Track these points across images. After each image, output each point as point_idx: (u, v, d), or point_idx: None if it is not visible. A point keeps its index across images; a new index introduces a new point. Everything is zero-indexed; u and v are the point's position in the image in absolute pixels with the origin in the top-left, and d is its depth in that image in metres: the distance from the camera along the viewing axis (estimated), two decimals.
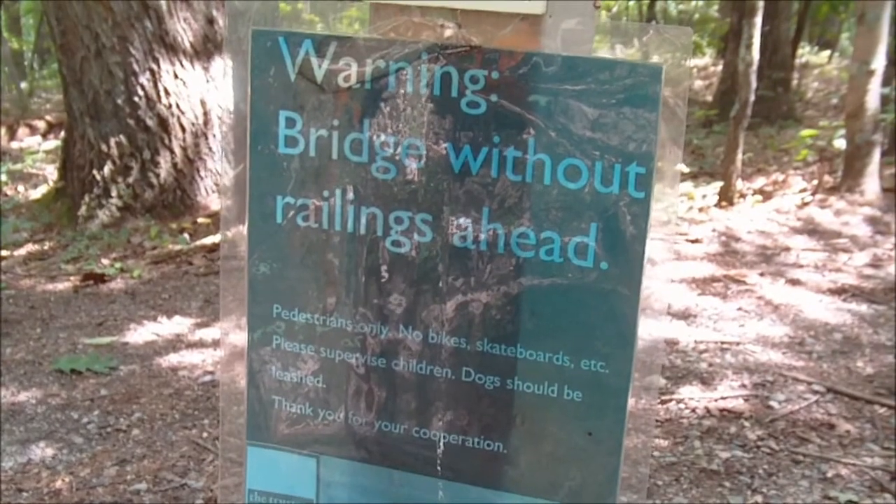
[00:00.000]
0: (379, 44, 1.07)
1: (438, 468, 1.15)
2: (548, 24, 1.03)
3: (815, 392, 2.92)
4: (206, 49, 5.58)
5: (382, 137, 1.08)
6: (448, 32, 1.05)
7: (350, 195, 1.11)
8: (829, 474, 2.40)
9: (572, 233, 1.05)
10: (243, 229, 1.17)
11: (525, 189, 1.05)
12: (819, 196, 5.64)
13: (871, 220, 5.20)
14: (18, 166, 7.52)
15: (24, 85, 11.09)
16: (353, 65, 1.07)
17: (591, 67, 1.01)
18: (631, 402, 1.09)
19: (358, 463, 1.18)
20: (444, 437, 1.14)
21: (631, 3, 13.40)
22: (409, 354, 1.13)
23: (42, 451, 2.60)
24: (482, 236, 1.07)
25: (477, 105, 1.05)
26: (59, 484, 2.40)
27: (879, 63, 5.47)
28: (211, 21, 5.62)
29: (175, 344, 3.50)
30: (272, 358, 1.18)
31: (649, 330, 1.09)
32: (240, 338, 1.22)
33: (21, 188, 6.78)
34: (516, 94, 1.03)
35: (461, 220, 1.08)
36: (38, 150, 8.28)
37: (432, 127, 1.06)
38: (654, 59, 1.00)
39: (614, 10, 13.02)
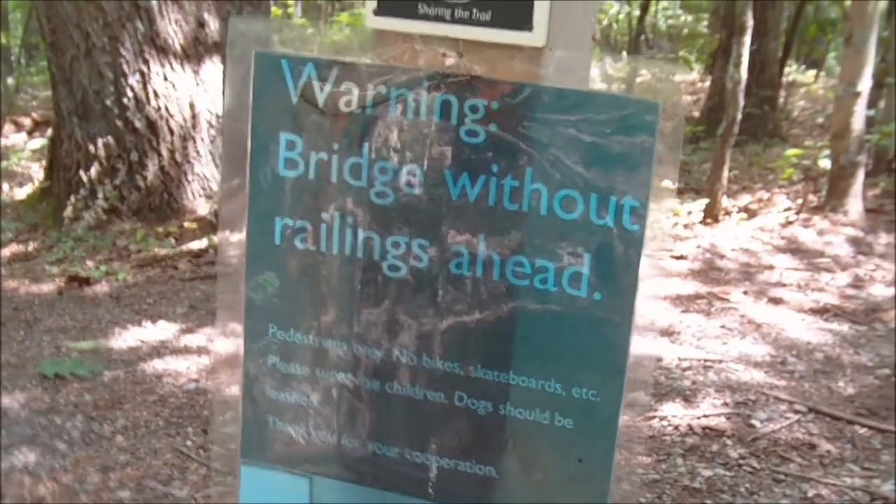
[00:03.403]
0: (381, 70, 1.08)
1: (431, 491, 1.16)
2: (547, 56, 1.05)
3: (797, 411, 2.94)
4: (196, 52, 5.57)
5: (382, 162, 1.10)
6: (449, 61, 1.06)
7: (348, 218, 1.12)
8: (810, 494, 2.42)
9: (566, 262, 1.06)
10: (238, 236, 1.18)
11: (521, 218, 1.07)
12: (803, 215, 5.68)
13: (854, 241, 5.24)
14: (3, 164, 7.48)
15: (10, 80, 11.03)
16: (355, 90, 1.09)
17: (590, 101, 1.03)
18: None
19: (351, 484, 1.19)
20: (437, 461, 1.15)
21: (620, 17, 13.47)
22: (402, 378, 1.14)
23: (25, 456, 2.59)
24: (478, 263, 1.09)
25: (476, 134, 1.06)
26: (41, 490, 2.39)
27: (865, 85, 5.52)
28: (202, 24, 5.61)
29: (160, 350, 3.49)
30: (267, 377, 1.19)
31: (634, 347, 1.10)
32: (230, 345, 1.22)
33: (6, 186, 6.75)
34: (515, 125, 1.05)
35: (457, 247, 1.09)
36: (24, 148, 8.24)
37: (431, 154, 1.08)
38: (650, 95, 1.02)
39: (604, 22, 13.08)
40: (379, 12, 1.09)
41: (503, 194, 1.06)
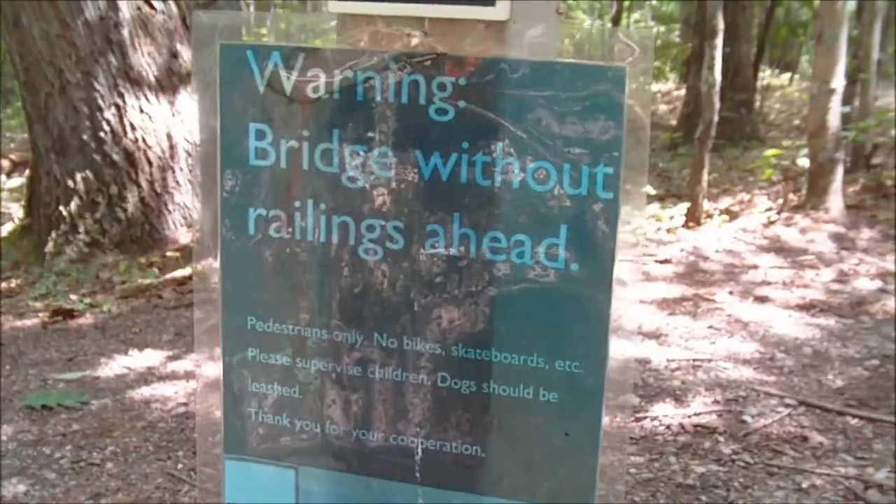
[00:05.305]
0: (346, 54, 1.08)
1: (417, 474, 1.15)
2: (512, 29, 1.05)
3: (787, 405, 2.93)
4: (170, 83, 5.57)
5: (352, 147, 1.09)
6: (415, 41, 1.06)
7: (322, 205, 1.11)
8: (804, 485, 2.42)
9: (543, 235, 1.06)
10: (215, 261, 1.17)
11: (495, 193, 1.06)
12: (784, 214, 5.70)
13: (836, 237, 5.26)
14: None
15: None
16: (322, 76, 1.08)
17: (556, 71, 1.03)
18: (605, 420, 1.10)
19: (336, 473, 1.18)
20: (422, 444, 1.14)
21: (593, 31, 13.56)
22: (384, 362, 1.13)
23: (14, 487, 2.56)
24: (454, 241, 1.08)
25: (445, 112, 1.06)
26: None
27: (839, 82, 5.56)
28: (175, 55, 5.61)
29: (147, 377, 3.46)
30: (247, 370, 1.17)
31: (620, 349, 1.09)
32: (214, 368, 1.21)
33: None
34: (483, 100, 1.05)
35: (433, 227, 1.08)
36: (2, 188, 8.20)
37: (401, 135, 1.07)
38: (618, 61, 1.02)
39: (577, 37, 13.14)
40: None
41: (475, 171, 1.06)
